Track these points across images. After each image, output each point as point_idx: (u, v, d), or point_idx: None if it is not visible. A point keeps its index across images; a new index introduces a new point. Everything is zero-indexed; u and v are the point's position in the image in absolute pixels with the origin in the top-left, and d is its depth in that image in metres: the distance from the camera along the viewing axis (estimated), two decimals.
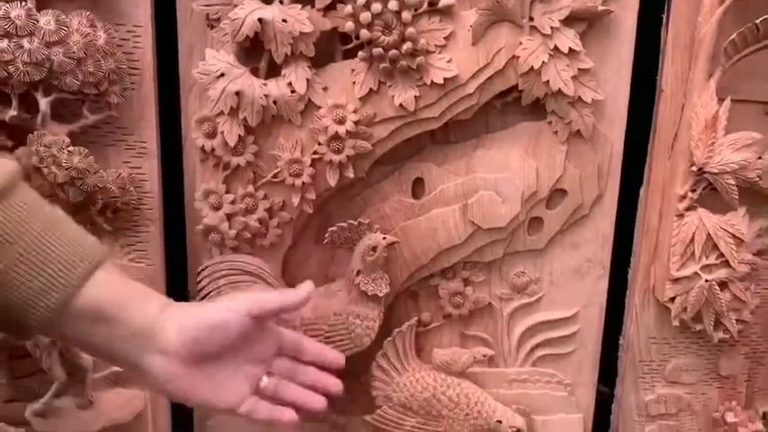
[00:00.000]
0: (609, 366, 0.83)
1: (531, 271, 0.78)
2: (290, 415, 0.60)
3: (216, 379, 0.57)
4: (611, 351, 0.82)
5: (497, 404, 0.78)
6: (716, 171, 0.69)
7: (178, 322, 0.55)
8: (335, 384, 0.64)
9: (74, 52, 0.65)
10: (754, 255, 0.73)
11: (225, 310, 0.57)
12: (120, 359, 0.55)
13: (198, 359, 0.56)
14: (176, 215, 0.77)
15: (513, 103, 0.73)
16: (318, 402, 0.63)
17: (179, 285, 0.77)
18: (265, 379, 0.60)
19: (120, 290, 0.54)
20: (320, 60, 0.71)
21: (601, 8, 0.69)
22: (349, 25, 0.67)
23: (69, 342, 0.55)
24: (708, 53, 0.68)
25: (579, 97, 0.71)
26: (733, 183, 0.70)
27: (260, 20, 0.66)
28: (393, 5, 0.66)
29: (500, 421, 0.77)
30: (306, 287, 0.62)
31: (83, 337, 0.53)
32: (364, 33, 0.67)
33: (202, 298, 0.73)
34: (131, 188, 0.72)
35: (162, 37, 0.72)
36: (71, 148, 0.68)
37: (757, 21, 0.66)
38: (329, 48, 0.71)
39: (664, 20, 0.71)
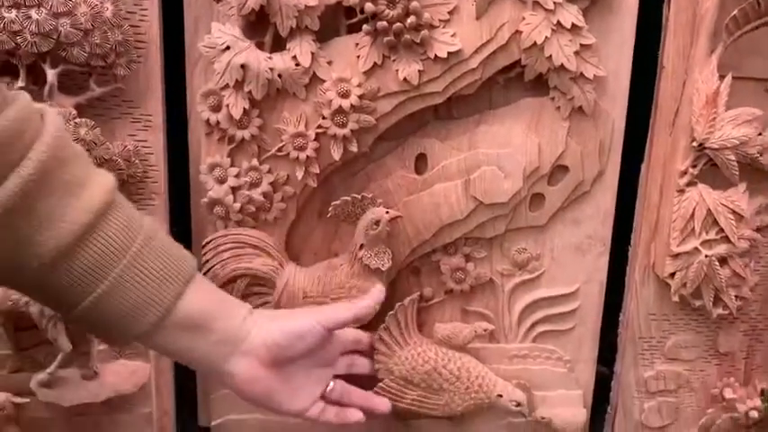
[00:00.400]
0: (609, 344, 0.84)
1: (533, 247, 0.79)
2: (358, 416, 0.65)
3: (291, 383, 0.61)
4: (612, 328, 0.83)
5: (498, 378, 0.78)
6: (716, 146, 0.70)
7: (265, 329, 0.59)
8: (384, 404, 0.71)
9: (81, 24, 0.66)
10: (753, 231, 0.74)
11: (308, 320, 0.62)
12: (205, 364, 0.58)
13: (278, 364, 0.60)
14: (181, 188, 0.78)
15: (516, 79, 0.74)
16: (384, 405, 0.69)
17: None
18: (332, 384, 0.65)
19: (210, 300, 0.57)
20: (325, 34, 0.71)
21: None
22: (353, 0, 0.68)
23: (159, 350, 0.57)
24: (709, 29, 0.69)
25: (581, 73, 0.71)
26: (733, 158, 0.70)
27: None
28: None
29: (501, 395, 0.77)
30: (377, 293, 0.68)
31: (171, 345, 0.55)
32: (369, 7, 0.68)
33: (206, 271, 0.74)
34: (137, 161, 0.73)
35: (168, 10, 0.73)
36: (78, 120, 0.68)
37: None
38: (334, 22, 0.72)
39: None
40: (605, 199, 0.78)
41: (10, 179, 0.44)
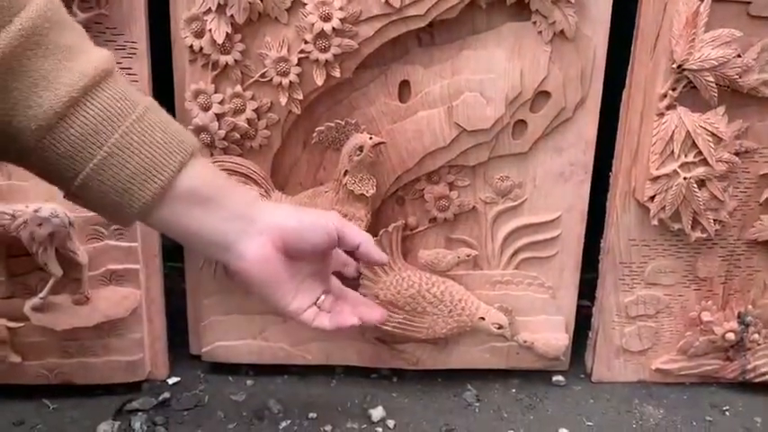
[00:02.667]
0: (591, 275, 0.86)
1: (515, 175, 0.80)
2: (352, 320, 0.63)
3: (294, 280, 0.59)
4: (593, 256, 0.85)
5: (480, 302, 0.80)
6: (695, 68, 0.70)
7: (278, 213, 0.58)
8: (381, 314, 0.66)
9: None
10: (732, 155, 0.75)
11: (323, 216, 0.60)
12: (217, 242, 0.55)
13: (288, 253, 0.57)
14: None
15: (499, 3, 0.74)
16: (380, 314, 0.65)
17: None
18: (323, 296, 0.63)
19: (216, 176, 0.56)
20: None
21: None
22: None
23: (167, 230, 0.54)
24: None
25: None
26: (712, 80, 0.71)
27: None
28: None
29: (483, 318, 0.79)
30: (385, 257, 0.64)
31: (183, 221, 0.53)
32: None
33: None
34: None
35: None
36: None
37: None
38: None
39: None
40: (587, 126, 0.79)
41: None
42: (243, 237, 0.55)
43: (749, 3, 0.73)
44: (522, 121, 0.78)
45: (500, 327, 0.80)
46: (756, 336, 0.82)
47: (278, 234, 0.56)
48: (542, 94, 0.77)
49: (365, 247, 0.61)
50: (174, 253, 0.88)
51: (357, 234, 0.61)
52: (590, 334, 0.87)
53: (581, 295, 0.85)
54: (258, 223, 0.56)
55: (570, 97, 0.77)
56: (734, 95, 0.74)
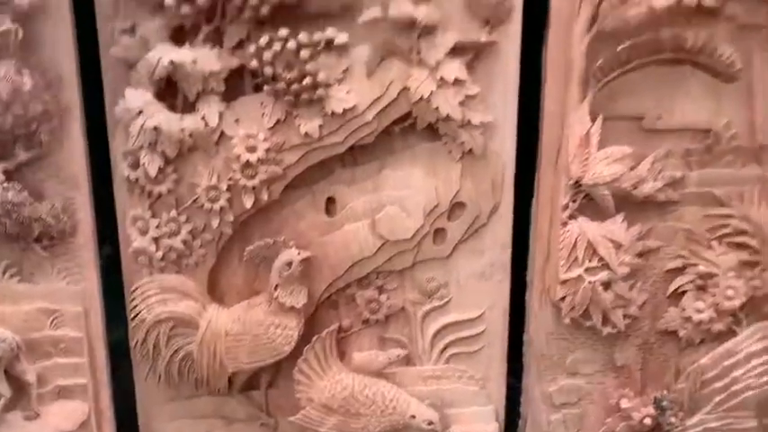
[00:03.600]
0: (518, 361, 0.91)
1: (440, 276, 0.86)
2: None
3: None
4: (519, 347, 0.90)
5: (412, 399, 0.85)
6: (591, 183, 0.77)
7: None
8: None
9: (2, 97, 0.72)
10: (637, 256, 0.81)
11: None
12: None
13: None
14: (113, 239, 0.84)
15: (411, 127, 0.80)
16: None
17: (116, 306, 0.84)
18: None
19: None
20: (233, 93, 0.77)
21: (484, 40, 0.77)
22: (253, 63, 0.74)
23: None
24: (580, 77, 0.76)
25: (469, 120, 0.78)
26: (608, 193, 0.77)
27: (172, 62, 0.73)
28: (292, 45, 0.73)
29: (414, 416, 0.84)
30: None
31: None
32: (267, 70, 0.74)
33: (134, 317, 0.80)
34: (65, 218, 0.79)
35: (89, 79, 0.78)
36: (5, 185, 0.75)
37: (618, 48, 0.74)
38: (240, 82, 0.78)
39: (543, 48, 0.78)
40: (502, 231, 0.85)
41: None
42: None
43: (641, 118, 0.80)
44: (441, 228, 0.84)
45: (430, 423, 0.84)
46: (673, 419, 0.87)
47: None
48: (458, 204, 0.83)
49: None
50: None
51: None
52: (519, 422, 0.92)
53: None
54: None
55: (484, 206, 0.83)
56: (632, 202, 0.80)
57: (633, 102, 0.79)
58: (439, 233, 0.84)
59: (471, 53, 0.77)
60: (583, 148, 0.76)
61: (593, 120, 0.77)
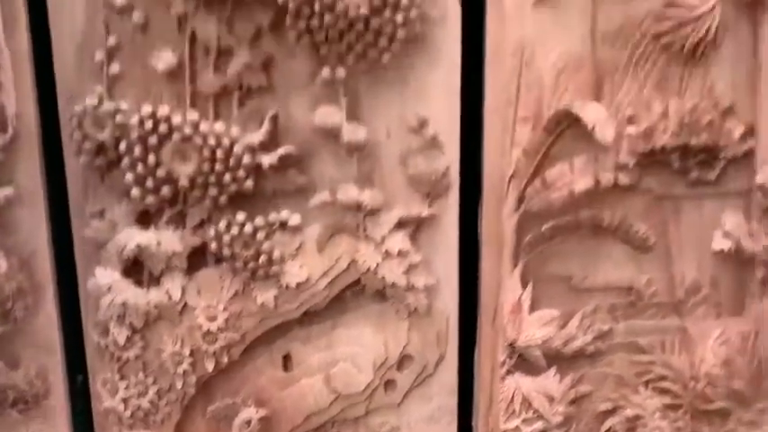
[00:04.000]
0: None
1: (393, 421, 0.92)
2: None
3: None
4: None
5: None
6: (524, 345, 0.84)
7: None
8: None
9: None
10: (570, 403, 0.88)
11: None
12: None
13: None
14: (85, 398, 0.89)
15: (361, 291, 0.87)
16: None
17: None
18: None
19: None
20: (196, 265, 0.84)
21: (425, 214, 0.85)
22: (213, 246, 0.81)
23: None
24: (511, 250, 0.84)
25: (413, 285, 0.86)
26: (539, 353, 0.85)
27: (138, 245, 0.80)
28: (249, 228, 0.81)
29: None
30: None
31: None
32: (226, 251, 0.81)
33: None
34: (38, 383, 0.85)
35: (63, 256, 0.85)
36: None
37: (543, 228, 0.82)
38: (203, 256, 0.85)
39: (478, 218, 0.86)
40: (448, 378, 0.91)
41: None
42: None
43: (570, 278, 0.88)
44: (391, 379, 0.91)
45: None
46: None
47: None
48: (406, 357, 0.90)
49: None
50: None
51: None
52: None
53: None
54: None
55: (430, 357, 0.90)
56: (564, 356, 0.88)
57: (561, 266, 0.87)
58: (390, 383, 0.91)
59: (414, 225, 0.85)
60: (516, 314, 0.84)
61: (525, 286, 0.85)
